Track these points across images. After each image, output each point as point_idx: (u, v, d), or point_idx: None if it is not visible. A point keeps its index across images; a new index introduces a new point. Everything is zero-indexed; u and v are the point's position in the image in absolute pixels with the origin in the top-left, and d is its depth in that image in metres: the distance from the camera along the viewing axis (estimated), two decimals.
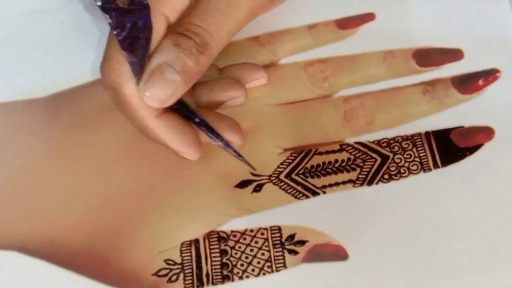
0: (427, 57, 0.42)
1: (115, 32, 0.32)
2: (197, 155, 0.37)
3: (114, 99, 0.37)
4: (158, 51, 0.34)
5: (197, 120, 0.36)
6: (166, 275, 0.37)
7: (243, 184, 0.39)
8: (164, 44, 0.34)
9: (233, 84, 0.40)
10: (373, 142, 0.40)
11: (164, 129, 0.36)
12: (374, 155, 0.40)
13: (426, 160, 0.39)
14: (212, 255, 0.38)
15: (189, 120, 0.37)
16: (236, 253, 0.38)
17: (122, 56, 0.34)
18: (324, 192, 0.39)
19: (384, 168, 0.39)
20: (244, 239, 0.38)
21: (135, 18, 0.32)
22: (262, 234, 0.38)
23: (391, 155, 0.40)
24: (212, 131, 0.36)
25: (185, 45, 0.34)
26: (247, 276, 0.37)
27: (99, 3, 0.31)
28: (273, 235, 0.38)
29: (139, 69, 0.34)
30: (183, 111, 0.36)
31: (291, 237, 0.38)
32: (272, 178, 0.39)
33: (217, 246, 0.38)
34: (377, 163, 0.39)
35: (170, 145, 0.36)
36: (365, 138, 0.40)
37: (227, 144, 0.37)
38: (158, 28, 0.34)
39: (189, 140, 0.36)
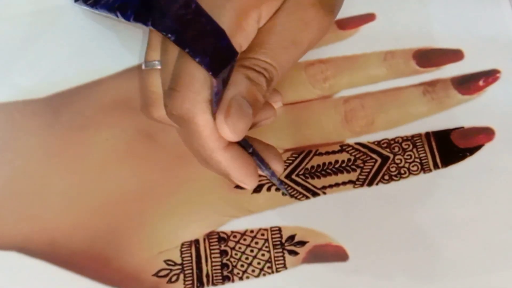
0: (428, 57, 0.42)
1: (197, 60, 0.32)
2: (255, 185, 0.36)
3: (181, 127, 0.35)
4: (231, 82, 0.34)
5: (251, 150, 0.36)
6: (166, 275, 0.37)
7: None
8: (237, 76, 0.34)
9: (265, 106, 0.38)
10: (373, 143, 0.40)
11: (231, 160, 0.35)
12: (374, 155, 0.40)
13: (426, 160, 0.39)
14: (212, 255, 0.38)
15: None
16: (236, 254, 0.38)
17: (201, 85, 0.33)
18: (324, 193, 0.39)
19: (384, 168, 0.39)
20: (244, 239, 0.38)
21: (214, 42, 0.32)
22: (262, 234, 0.38)
23: (391, 155, 0.40)
24: (262, 161, 0.36)
25: (257, 80, 0.34)
26: (247, 277, 0.37)
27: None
28: (273, 236, 0.38)
29: (217, 100, 0.33)
30: (241, 142, 0.35)
31: (291, 237, 0.38)
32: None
33: (217, 247, 0.38)
34: (377, 163, 0.39)
35: (233, 175, 0.35)
36: (365, 138, 0.40)
37: (273, 174, 0.36)
38: None
39: (251, 171, 0.35)
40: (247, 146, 0.35)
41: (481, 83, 0.41)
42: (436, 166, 0.39)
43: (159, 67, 0.36)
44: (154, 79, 0.36)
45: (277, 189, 0.39)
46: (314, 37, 0.36)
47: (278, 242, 0.38)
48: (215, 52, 0.32)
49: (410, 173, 0.39)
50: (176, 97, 0.33)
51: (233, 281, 0.37)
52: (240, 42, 0.34)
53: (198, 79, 0.33)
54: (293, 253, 0.38)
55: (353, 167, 0.39)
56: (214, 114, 0.33)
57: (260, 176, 0.37)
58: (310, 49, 0.36)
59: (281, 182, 0.38)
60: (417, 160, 0.39)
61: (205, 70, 0.32)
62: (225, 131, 0.33)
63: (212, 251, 0.38)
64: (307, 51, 0.36)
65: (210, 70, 0.32)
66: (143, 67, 0.36)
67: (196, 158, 0.37)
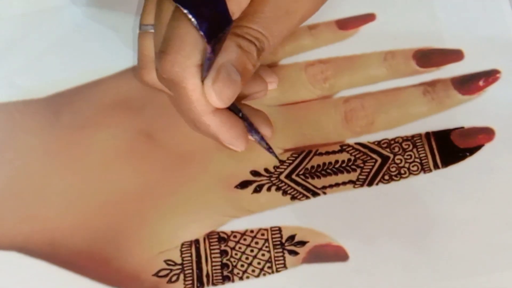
0: (428, 57, 0.42)
1: (195, 23, 0.32)
2: (244, 147, 0.37)
3: (171, 91, 0.36)
4: (222, 49, 0.34)
5: (240, 115, 0.36)
6: (166, 275, 0.37)
7: (243, 185, 0.39)
8: (228, 43, 0.34)
9: (257, 79, 0.40)
10: (373, 143, 0.40)
11: (219, 124, 0.35)
12: (374, 155, 0.40)
13: (426, 160, 0.39)
14: (213, 255, 0.38)
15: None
16: (236, 254, 0.38)
17: (191, 49, 0.33)
18: (325, 193, 0.39)
19: (385, 168, 0.39)
20: (245, 239, 0.38)
21: (212, 7, 0.32)
22: (263, 234, 0.38)
23: (391, 155, 0.40)
24: (252, 126, 0.37)
25: (247, 48, 0.35)
26: (247, 277, 0.37)
27: None
28: (274, 236, 0.38)
29: (208, 66, 0.34)
30: (231, 106, 0.36)
31: (292, 237, 0.38)
32: (272, 179, 0.39)
33: (218, 247, 0.38)
34: (377, 163, 0.39)
35: (221, 138, 0.36)
36: (366, 138, 0.40)
37: (262, 138, 0.37)
38: None
39: (239, 133, 0.36)
40: (237, 111, 0.36)
41: (481, 83, 0.41)
42: (436, 166, 0.39)
43: (152, 30, 0.36)
44: (147, 42, 0.37)
45: (277, 189, 0.39)
46: (308, 8, 0.36)
47: (278, 242, 0.38)
48: (212, 17, 0.33)
49: (410, 173, 0.39)
50: (167, 60, 0.34)
51: (233, 281, 0.37)
52: (232, 9, 0.34)
53: (189, 43, 0.33)
54: (293, 253, 0.38)
55: (353, 167, 0.39)
56: (203, 80, 0.34)
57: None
58: (303, 21, 0.36)
59: (270, 147, 0.38)
60: (417, 160, 0.39)
61: (197, 34, 0.33)
62: (212, 97, 0.34)
63: (212, 251, 0.38)
64: (300, 23, 0.36)
65: (206, 35, 0.32)
66: (137, 31, 0.37)
67: (186, 121, 0.37)
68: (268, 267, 0.37)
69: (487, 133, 0.40)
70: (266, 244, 0.38)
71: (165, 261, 0.38)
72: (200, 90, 0.34)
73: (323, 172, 0.39)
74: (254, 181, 0.39)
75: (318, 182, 0.39)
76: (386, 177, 0.39)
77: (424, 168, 0.39)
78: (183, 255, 0.38)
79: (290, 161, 0.40)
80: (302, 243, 0.38)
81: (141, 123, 0.41)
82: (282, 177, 0.39)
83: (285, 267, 0.37)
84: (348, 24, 0.43)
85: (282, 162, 0.40)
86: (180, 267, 0.38)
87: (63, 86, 0.42)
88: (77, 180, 0.40)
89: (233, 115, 0.36)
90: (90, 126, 0.41)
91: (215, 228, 0.38)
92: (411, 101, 0.41)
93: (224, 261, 0.38)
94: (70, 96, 0.42)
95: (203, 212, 0.39)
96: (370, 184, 0.39)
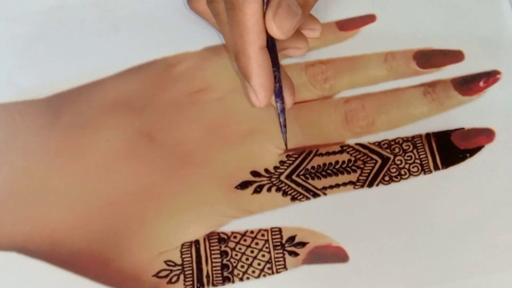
0: (428, 58, 0.42)
1: None
2: (265, 104, 0.37)
3: (228, 14, 0.36)
4: None
5: (276, 72, 0.37)
6: (166, 276, 0.37)
7: (243, 185, 0.39)
8: None
9: (300, 35, 0.40)
10: (373, 144, 0.40)
11: (260, 63, 0.36)
12: (374, 156, 0.40)
13: (426, 161, 0.39)
14: (213, 256, 0.38)
15: None
16: (236, 255, 0.38)
17: None
18: (325, 194, 0.39)
19: (385, 169, 0.39)
20: (245, 240, 0.38)
21: None
22: (263, 235, 0.38)
23: (391, 156, 0.40)
24: (280, 90, 0.37)
25: None
26: (248, 278, 0.37)
27: None
28: (274, 237, 0.38)
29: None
30: (273, 57, 0.36)
31: (292, 238, 0.38)
32: (272, 179, 0.39)
33: (218, 247, 0.38)
34: (377, 164, 0.39)
35: (253, 80, 0.36)
36: (366, 139, 0.40)
37: (283, 110, 0.37)
38: None
39: (269, 85, 0.36)
40: (274, 66, 0.36)
41: (481, 84, 0.41)
42: (436, 167, 0.39)
43: None
44: None
45: (278, 190, 0.39)
46: None
47: (279, 243, 0.38)
48: None
49: (410, 174, 0.39)
50: None
51: (233, 282, 0.37)
52: None
53: None
54: (293, 254, 0.38)
55: (354, 168, 0.39)
56: (264, 10, 0.34)
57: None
58: None
59: (285, 123, 0.38)
60: (418, 161, 0.39)
61: None
62: (273, 27, 0.34)
63: (212, 252, 0.38)
64: None
65: None
66: None
67: (228, 50, 0.38)
68: (268, 268, 0.37)
69: (487, 134, 0.40)
70: (266, 245, 0.38)
71: (165, 261, 0.38)
72: (258, 16, 0.34)
73: (323, 172, 0.39)
74: (254, 182, 0.39)
75: (319, 183, 0.39)
76: (387, 178, 0.39)
77: (424, 169, 0.39)
78: (183, 256, 0.38)
79: (291, 162, 0.40)
80: (302, 244, 0.38)
81: (141, 123, 0.41)
82: (282, 177, 0.39)
83: (285, 268, 0.37)
84: (348, 25, 0.43)
85: (282, 162, 0.40)
86: (180, 267, 0.38)
87: (63, 87, 0.42)
88: (77, 180, 0.40)
89: (271, 65, 0.36)
90: (90, 127, 0.41)
91: (215, 229, 0.38)
92: (411, 102, 0.41)
93: (224, 261, 0.38)
94: (70, 96, 0.42)
95: (203, 212, 0.39)
96: (370, 185, 0.39)
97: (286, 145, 0.40)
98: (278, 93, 0.37)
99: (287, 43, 0.39)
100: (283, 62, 0.42)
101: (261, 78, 0.36)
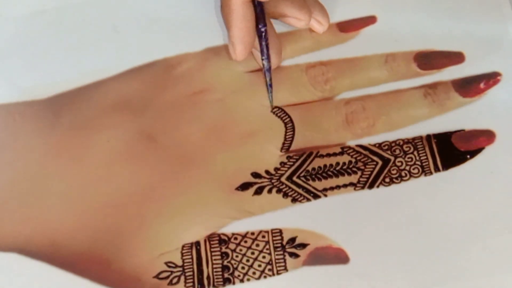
0: (429, 60, 0.42)
1: None
2: (242, 57, 0.38)
3: None
4: None
5: (262, 28, 0.37)
6: (167, 277, 0.37)
7: (244, 187, 0.39)
8: None
9: (303, 7, 0.40)
10: (374, 145, 0.40)
11: (241, 15, 0.36)
12: (375, 158, 0.40)
13: (427, 163, 0.39)
14: (213, 257, 0.38)
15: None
16: (237, 256, 0.38)
17: None
18: (325, 195, 0.39)
19: (385, 171, 0.39)
20: (245, 241, 0.38)
21: None
22: (263, 237, 0.38)
23: (392, 158, 0.40)
24: (267, 48, 0.38)
25: None
26: (248, 279, 0.37)
27: None
28: (274, 238, 0.38)
29: None
30: (258, 12, 0.37)
31: (292, 240, 0.38)
32: (273, 181, 0.39)
33: (218, 249, 0.38)
34: (378, 166, 0.39)
35: (231, 32, 0.37)
36: (366, 141, 0.40)
37: (269, 69, 0.38)
38: None
39: (248, 40, 0.37)
40: (261, 22, 0.37)
41: (482, 85, 0.41)
42: (437, 169, 0.39)
43: None
44: None
45: (278, 191, 0.39)
46: None
47: (279, 244, 0.38)
48: None
49: (411, 176, 0.39)
50: None
51: (234, 283, 0.37)
52: None
53: None
54: (294, 255, 0.38)
55: (354, 169, 0.40)
56: None
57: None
58: None
59: (271, 83, 0.39)
60: (418, 162, 0.39)
61: None
62: None
63: (213, 253, 0.38)
64: None
65: None
66: None
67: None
68: (269, 270, 0.37)
69: (488, 136, 0.40)
70: (267, 246, 0.38)
71: (165, 263, 0.38)
72: None
73: (324, 174, 0.39)
74: (255, 183, 0.39)
75: (319, 184, 0.39)
76: (387, 179, 0.39)
77: (425, 171, 0.39)
78: (184, 257, 0.38)
79: (291, 163, 0.40)
80: (303, 246, 0.38)
81: (141, 124, 0.41)
82: (283, 179, 0.39)
83: (285, 269, 0.37)
84: (349, 26, 0.43)
85: (283, 164, 0.40)
86: (180, 269, 0.38)
87: (64, 88, 0.42)
88: (77, 181, 0.40)
89: (253, 21, 0.37)
90: (90, 128, 0.41)
91: (216, 230, 0.38)
92: (412, 103, 0.41)
93: (225, 263, 0.38)
94: (71, 97, 0.42)
95: (204, 214, 0.39)
96: (371, 186, 0.39)
97: (271, 104, 0.40)
98: (265, 52, 0.37)
99: (287, 11, 0.39)
100: (284, 62, 0.42)
101: (240, 32, 0.37)
